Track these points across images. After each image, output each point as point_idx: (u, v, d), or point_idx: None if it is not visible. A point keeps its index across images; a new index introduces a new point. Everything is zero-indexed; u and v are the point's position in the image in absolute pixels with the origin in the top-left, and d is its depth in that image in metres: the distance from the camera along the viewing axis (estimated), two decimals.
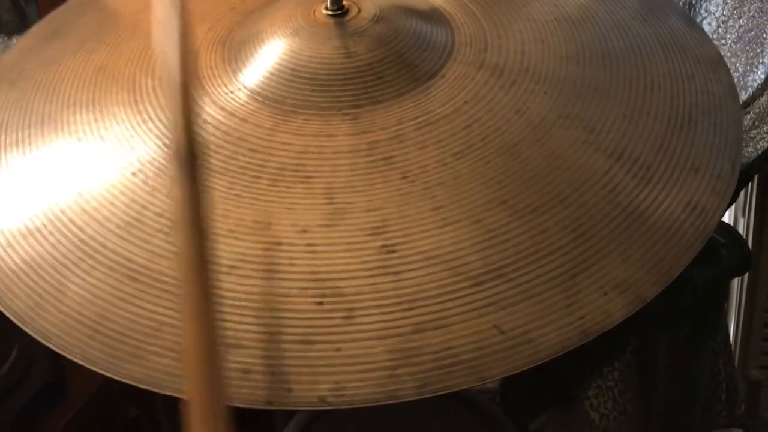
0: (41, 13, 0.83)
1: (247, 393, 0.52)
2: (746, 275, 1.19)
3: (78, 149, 0.66)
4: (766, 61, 0.94)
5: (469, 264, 0.56)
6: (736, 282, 1.23)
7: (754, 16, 0.97)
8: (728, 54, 0.97)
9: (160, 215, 0.60)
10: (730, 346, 1.06)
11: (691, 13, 1.02)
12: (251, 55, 0.68)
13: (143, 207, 0.60)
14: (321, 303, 0.55)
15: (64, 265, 0.59)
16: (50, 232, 0.61)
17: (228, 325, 0.54)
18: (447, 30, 0.70)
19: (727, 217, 1.19)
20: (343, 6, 0.68)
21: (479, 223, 0.58)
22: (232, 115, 0.65)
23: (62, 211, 0.62)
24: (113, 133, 0.66)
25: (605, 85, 0.67)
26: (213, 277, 0.51)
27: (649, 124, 0.65)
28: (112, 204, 0.61)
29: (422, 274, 0.56)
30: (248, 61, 0.67)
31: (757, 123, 0.93)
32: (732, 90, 0.70)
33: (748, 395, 1.20)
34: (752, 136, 0.93)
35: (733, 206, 1.17)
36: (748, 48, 0.96)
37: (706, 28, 1.00)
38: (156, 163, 0.62)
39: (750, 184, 1.14)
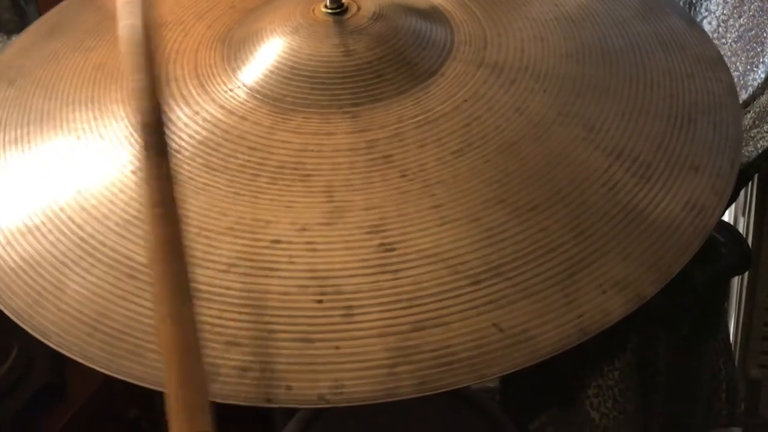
0: (41, 12, 0.83)
1: (247, 391, 0.52)
2: (746, 274, 1.19)
3: (77, 147, 0.66)
4: (766, 60, 0.94)
5: (468, 262, 0.56)
6: (736, 281, 1.23)
7: (754, 15, 0.97)
8: (728, 53, 0.97)
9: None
10: (730, 345, 1.07)
11: (692, 12, 1.02)
12: (251, 53, 0.68)
13: (142, 205, 0.60)
14: (320, 301, 0.55)
15: (63, 263, 0.59)
16: (49, 230, 0.61)
17: (227, 323, 0.54)
18: (446, 28, 0.70)
19: (727, 216, 1.19)
20: (343, 4, 0.68)
21: (478, 221, 0.58)
22: (232, 113, 0.65)
23: (61, 209, 0.62)
24: (112, 131, 0.66)
25: (605, 83, 0.67)
26: (186, 264, 0.51)
27: (649, 122, 0.65)
28: (111, 202, 0.61)
29: (421, 272, 0.56)
30: (248, 59, 0.67)
31: (757, 122, 0.93)
32: (731, 89, 0.70)
33: (748, 394, 1.20)
34: (752, 135, 0.93)
35: (733, 205, 1.17)
36: (748, 47, 0.96)
37: (706, 27, 1.00)
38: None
39: (750, 183, 1.14)
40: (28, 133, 0.68)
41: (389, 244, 0.56)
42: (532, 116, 0.64)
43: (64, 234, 0.60)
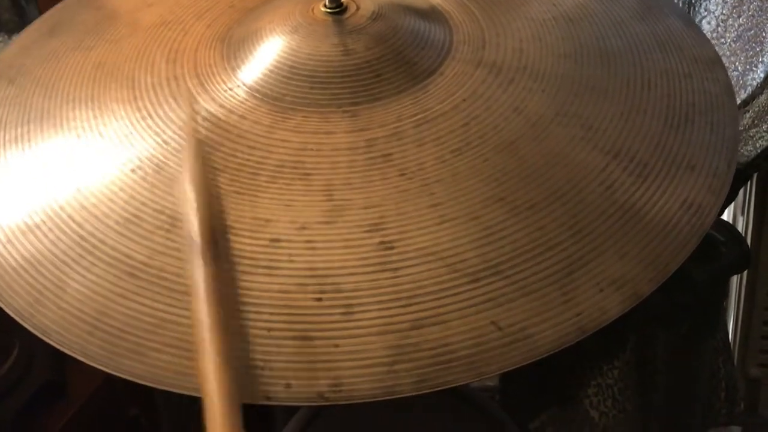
0: (41, 12, 0.83)
1: (246, 389, 0.53)
2: (745, 273, 1.20)
3: (77, 146, 0.66)
4: (765, 59, 0.94)
5: (466, 260, 0.56)
6: (735, 280, 1.23)
7: (753, 15, 0.97)
8: (728, 53, 0.97)
9: (160, 212, 0.60)
10: (729, 343, 1.07)
11: (691, 12, 1.03)
12: (250, 53, 0.68)
13: (142, 204, 0.60)
14: (320, 299, 0.55)
15: (63, 261, 0.59)
16: (50, 229, 0.61)
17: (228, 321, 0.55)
18: (445, 28, 0.70)
19: (727, 215, 1.19)
20: (342, 4, 0.68)
21: (477, 220, 0.58)
22: (231, 112, 0.65)
23: (61, 208, 0.62)
24: (112, 130, 0.66)
25: (603, 83, 0.67)
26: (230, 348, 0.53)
27: (646, 122, 0.65)
28: (112, 201, 0.61)
29: (420, 270, 0.56)
30: (247, 59, 0.68)
31: (756, 122, 0.93)
32: (729, 89, 0.70)
33: (747, 393, 1.21)
34: (752, 134, 0.93)
35: (732, 204, 1.17)
36: (747, 47, 0.96)
37: (705, 27, 1.00)
38: (155, 160, 0.63)
39: (749, 182, 1.14)
40: (29, 131, 0.68)
41: (388, 242, 0.57)
42: (530, 116, 0.64)
43: (64, 232, 0.60)
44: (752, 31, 0.97)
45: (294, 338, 0.54)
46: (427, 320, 0.54)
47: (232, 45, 0.70)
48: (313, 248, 0.57)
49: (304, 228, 0.58)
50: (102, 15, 0.78)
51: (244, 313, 0.55)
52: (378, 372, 0.53)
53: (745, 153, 0.93)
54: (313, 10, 0.68)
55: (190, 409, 0.49)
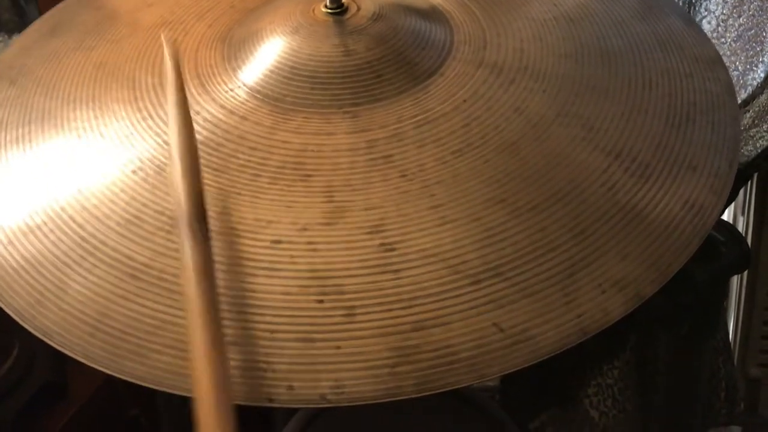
0: (41, 12, 0.83)
1: (248, 391, 0.53)
2: (745, 273, 1.20)
3: (78, 146, 0.66)
4: (765, 59, 0.94)
5: (468, 262, 0.56)
6: (735, 280, 1.23)
7: (753, 15, 0.97)
8: (728, 52, 0.97)
9: (161, 213, 0.60)
10: (729, 344, 1.07)
11: (691, 12, 1.02)
12: (251, 53, 0.68)
13: (143, 205, 0.60)
14: (321, 301, 0.55)
15: (64, 262, 0.59)
16: (51, 230, 0.61)
17: (228, 323, 0.55)
18: (446, 28, 0.70)
19: (727, 215, 1.19)
20: (343, 4, 0.68)
21: (478, 221, 0.58)
22: (232, 113, 0.65)
23: (62, 209, 0.62)
24: (113, 130, 0.66)
25: (604, 83, 0.67)
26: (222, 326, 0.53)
27: (648, 122, 0.65)
28: (113, 201, 0.61)
29: (421, 272, 0.56)
30: (248, 59, 0.68)
31: (756, 121, 0.93)
32: (730, 88, 0.70)
33: (747, 393, 1.21)
34: (752, 134, 0.93)
35: (732, 204, 1.17)
36: (747, 46, 0.96)
37: (705, 26, 1.00)
38: (156, 161, 0.62)
39: (749, 182, 1.14)
40: (30, 132, 0.68)
41: (390, 244, 0.57)
42: (531, 116, 0.64)
43: (65, 233, 0.60)
44: (752, 31, 0.97)
45: (296, 340, 0.54)
46: (429, 322, 0.54)
47: (233, 45, 0.70)
48: (315, 250, 0.57)
49: (305, 229, 0.58)
50: (102, 15, 0.78)
51: (248, 315, 0.55)
52: (380, 374, 0.52)
53: (746, 153, 0.93)
54: (313, 10, 0.68)
55: (191, 409, 0.49)
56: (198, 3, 0.75)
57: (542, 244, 0.57)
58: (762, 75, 0.94)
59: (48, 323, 0.57)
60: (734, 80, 0.89)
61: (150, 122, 0.65)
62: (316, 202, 0.59)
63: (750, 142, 0.93)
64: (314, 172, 0.61)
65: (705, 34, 0.76)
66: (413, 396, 0.52)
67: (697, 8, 1.03)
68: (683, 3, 1.03)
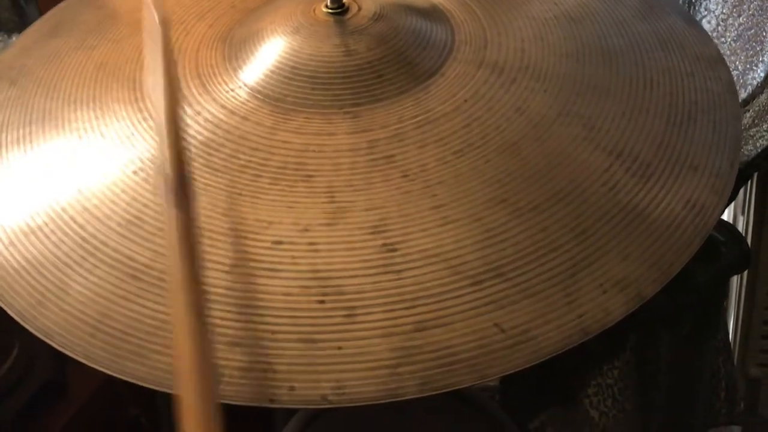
0: (41, 12, 0.83)
1: (250, 391, 0.53)
2: (745, 273, 1.20)
3: (79, 147, 0.66)
4: (765, 59, 0.94)
5: (469, 262, 0.56)
6: (735, 280, 1.23)
7: (753, 15, 0.97)
8: (728, 52, 0.97)
9: (162, 213, 0.60)
10: (729, 343, 1.07)
11: (691, 12, 1.03)
12: (252, 53, 0.68)
13: (144, 205, 0.60)
14: (323, 302, 0.55)
15: (65, 263, 0.59)
16: (52, 231, 0.61)
17: (229, 323, 0.55)
18: (447, 28, 0.70)
19: (727, 215, 1.19)
20: (344, 4, 0.68)
21: (479, 221, 0.58)
22: (233, 113, 0.65)
23: (63, 209, 0.62)
24: (114, 131, 0.66)
25: (605, 82, 0.67)
26: (204, 296, 0.52)
27: (649, 121, 0.65)
28: (113, 202, 0.61)
29: (423, 272, 0.56)
30: (249, 59, 0.68)
31: (756, 121, 0.93)
32: (731, 88, 0.70)
33: (747, 393, 1.21)
34: (752, 134, 0.93)
35: (732, 204, 1.17)
36: (747, 46, 0.96)
37: (705, 26, 1.00)
38: (157, 162, 0.62)
39: (749, 182, 1.14)
40: (30, 132, 0.68)
41: (391, 244, 0.57)
42: (532, 116, 0.64)
43: (66, 234, 0.60)
44: (752, 31, 0.97)
45: (297, 341, 0.54)
46: (431, 322, 0.54)
47: (234, 45, 0.69)
48: (316, 250, 0.57)
49: (306, 230, 0.58)
50: (103, 15, 0.78)
51: (250, 316, 0.55)
52: (381, 374, 0.52)
53: (746, 152, 0.93)
54: (314, 10, 0.68)
55: None
56: (199, 3, 0.75)
57: (543, 244, 0.57)
58: (762, 74, 0.94)
59: (49, 324, 0.57)
60: (734, 80, 0.89)
61: (151, 122, 0.65)
62: (318, 203, 0.59)
63: (750, 142, 0.93)
64: (315, 172, 0.61)
65: (706, 33, 0.76)
66: (414, 396, 0.52)
67: (696, 8, 1.03)
68: (683, 2, 1.03)
